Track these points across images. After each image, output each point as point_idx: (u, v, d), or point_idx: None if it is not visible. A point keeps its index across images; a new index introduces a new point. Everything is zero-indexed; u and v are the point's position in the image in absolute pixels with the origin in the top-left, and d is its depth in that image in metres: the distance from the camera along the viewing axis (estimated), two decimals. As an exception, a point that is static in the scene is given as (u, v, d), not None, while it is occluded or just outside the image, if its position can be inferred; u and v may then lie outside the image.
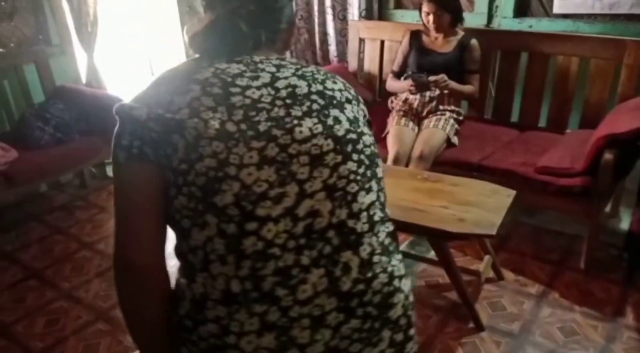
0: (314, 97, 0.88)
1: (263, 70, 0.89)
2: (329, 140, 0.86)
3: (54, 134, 2.86)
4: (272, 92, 0.86)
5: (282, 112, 0.85)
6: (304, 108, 0.86)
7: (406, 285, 0.94)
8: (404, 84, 2.82)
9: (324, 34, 3.75)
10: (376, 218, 0.90)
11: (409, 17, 3.39)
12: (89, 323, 2.18)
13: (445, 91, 2.69)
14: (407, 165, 2.55)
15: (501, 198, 1.98)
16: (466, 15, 2.84)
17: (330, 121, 0.87)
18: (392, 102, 2.95)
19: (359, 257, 0.85)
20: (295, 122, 0.85)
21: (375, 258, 0.88)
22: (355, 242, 0.86)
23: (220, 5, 0.91)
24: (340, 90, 0.94)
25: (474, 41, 2.74)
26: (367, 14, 3.47)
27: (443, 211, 1.93)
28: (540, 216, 2.77)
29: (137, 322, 0.90)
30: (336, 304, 0.83)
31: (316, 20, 3.72)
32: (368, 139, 0.93)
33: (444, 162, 2.56)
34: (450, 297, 2.21)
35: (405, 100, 2.81)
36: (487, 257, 2.27)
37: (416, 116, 2.78)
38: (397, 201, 2.03)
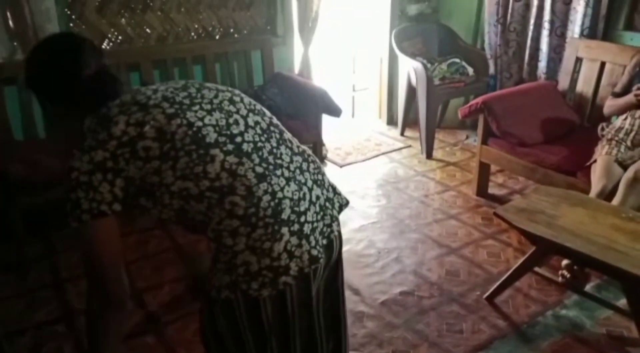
0: None
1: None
2: None
3: (266, 114, 3.21)
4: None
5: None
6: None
7: None
8: (627, 98, 2.56)
9: (535, 50, 3.57)
10: None
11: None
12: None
13: None
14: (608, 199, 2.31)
15: None
16: None
17: None
18: (602, 129, 2.69)
19: None
20: None
21: None
22: None
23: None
24: None
25: None
26: (590, 33, 3.21)
27: (647, 257, 1.73)
28: None
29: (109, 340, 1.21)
30: None
31: (530, 34, 3.56)
32: None
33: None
34: (635, 353, 1.98)
35: (620, 129, 2.55)
36: (691, 321, 1.98)
37: (630, 148, 2.50)
38: (592, 237, 1.88)
